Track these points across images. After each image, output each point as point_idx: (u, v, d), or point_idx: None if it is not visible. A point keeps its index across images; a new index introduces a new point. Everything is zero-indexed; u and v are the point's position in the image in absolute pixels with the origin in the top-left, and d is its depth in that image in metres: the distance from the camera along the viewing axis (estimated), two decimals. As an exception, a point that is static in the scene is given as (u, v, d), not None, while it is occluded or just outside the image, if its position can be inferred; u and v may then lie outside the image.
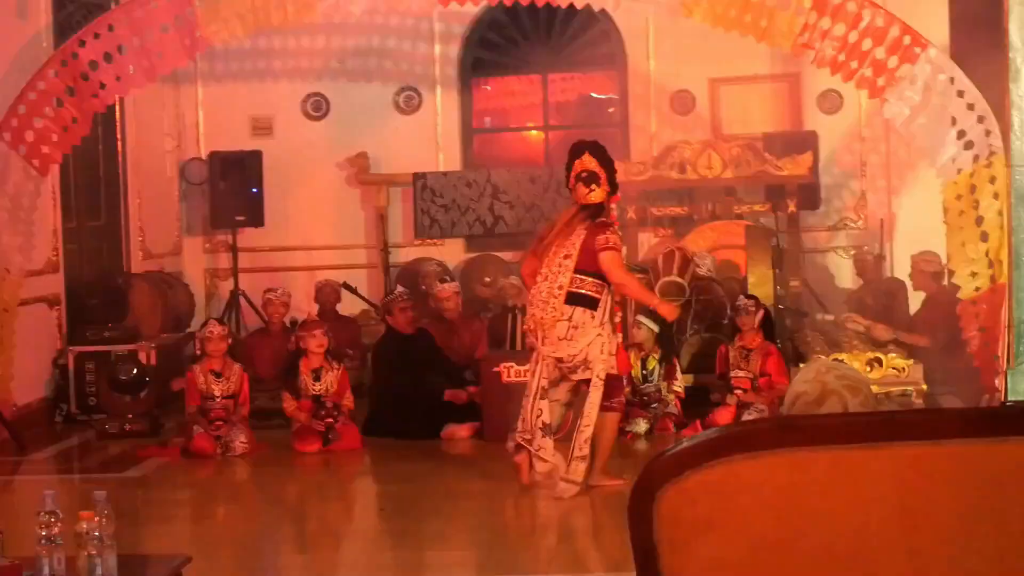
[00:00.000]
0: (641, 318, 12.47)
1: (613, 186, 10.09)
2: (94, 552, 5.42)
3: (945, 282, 13.37)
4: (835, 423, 3.65)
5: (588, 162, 10.00)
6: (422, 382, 12.56)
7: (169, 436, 12.76)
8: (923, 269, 13.77)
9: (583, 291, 9.81)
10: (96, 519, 5.44)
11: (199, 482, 11.44)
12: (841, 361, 12.26)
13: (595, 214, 9.97)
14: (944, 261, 13.25)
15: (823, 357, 11.70)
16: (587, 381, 9.90)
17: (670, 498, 3.49)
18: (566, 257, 9.83)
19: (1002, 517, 3.44)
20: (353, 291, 15.05)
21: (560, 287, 9.80)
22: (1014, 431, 3.47)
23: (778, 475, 3.50)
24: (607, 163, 10.07)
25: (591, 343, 9.79)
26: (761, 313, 12.25)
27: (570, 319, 9.79)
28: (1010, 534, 3.44)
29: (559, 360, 9.91)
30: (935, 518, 3.45)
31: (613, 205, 10.87)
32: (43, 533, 5.45)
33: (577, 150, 10.16)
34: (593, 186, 9.94)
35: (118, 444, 12.54)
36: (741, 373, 12.30)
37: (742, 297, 12.47)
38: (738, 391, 12.26)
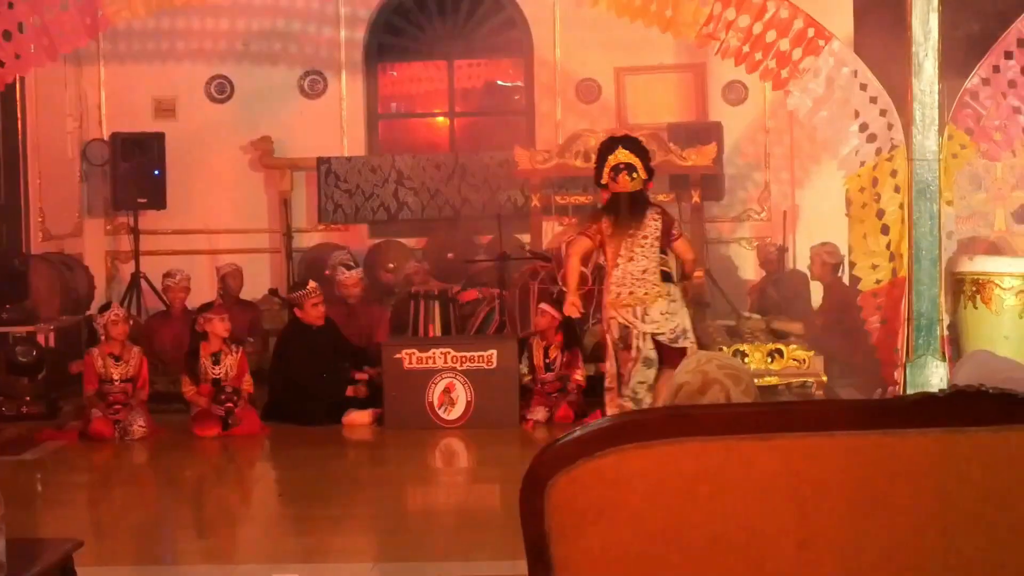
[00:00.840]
0: (544, 306, 12.50)
1: (650, 173, 11.05)
2: (-17, 537, 5.33)
3: (845, 274, 13.47)
4: (727, 413, 3.65)
5: (622, 155, 10.89)
6: (327, 371, 12.51)
7: (67, 419, 12.64)
8: (824, 260, 13.87)
9: (666, 269, 10.97)
10: (-15, 503, 5.34)
11: (96, 466, 11.34)
12: (743, 352, 12.37)
13: (647, 201, 11.08)
14: (844, 253, 13.38)
15: (704, 351, 11.75)
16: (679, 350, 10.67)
17: (561, 487, 3.48)
18: (646, 239, 10.82)
19: (893, 509, 3.46)
20: (276, 293, 14.95)
21: (646, 269, 10.81)
22: (905, 423, 3.49)
23: (669, 465, 3.50)
24: (642, 153, 11.03)
25: (684, 314, 10.97)
26: None
27: (668, 294, 10.88)
28: (901, 526, 3.46)
29: (656, 334, 10.82)
30: (826, 509, 3.45)
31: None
32: (-70, 518, 5.36)
33: (608, 146, 11.06)
34: (634, 174, 10.83)
35: (14, 426, 12.40)
36: None
37: None
38: None
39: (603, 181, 10.94)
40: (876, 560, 3.46)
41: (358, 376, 12.62)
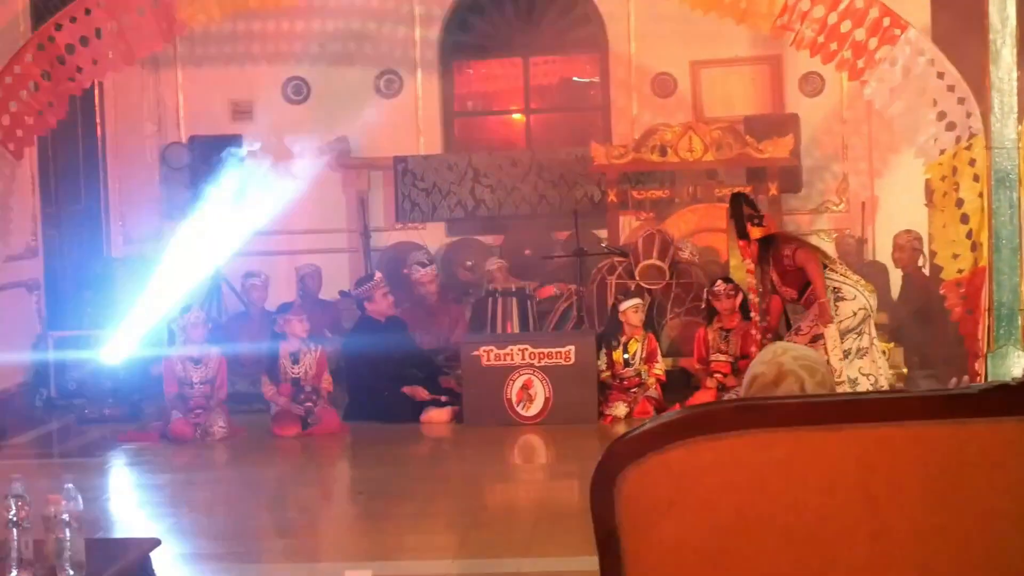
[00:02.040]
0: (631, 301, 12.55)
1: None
2: (62, 536, 5.39)
3: (926, 264, 13.37)
4: (796, 405, 3.62)
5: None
6: (395, 369, 12.55)
7: (148, 421, 12.74)
8: (911, 247, 13.75)
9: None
10: (64, 502, 5.40)
11: (177, 466, 11.41)
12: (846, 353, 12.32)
13: None
14: (925, 241, 13.28)
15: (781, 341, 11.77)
16: None
17: (631, 480, 3.47)
18: None
19: (965, 500, 3.43)
20: (348, 294, 15.00)
21: None
22: (976, 413, 3.46)
23: (739, 457, 3.48)
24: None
25: None
26: (740, 296, 12.26)
27: None
28: (972, 516, 3.43)
29: None
30: (898, 500, 3.43)
31: None
32: (10, 516, 5.43)
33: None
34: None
35: (97, 428, 12.53)
36: (721, 356, 12.32)
37: (720, 281, 12.48)
38: (717, 374, 12.25)
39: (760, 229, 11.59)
40: (949, 552, 3.42)
41: (444, 383, 12.66)
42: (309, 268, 14.77)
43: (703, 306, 12.87)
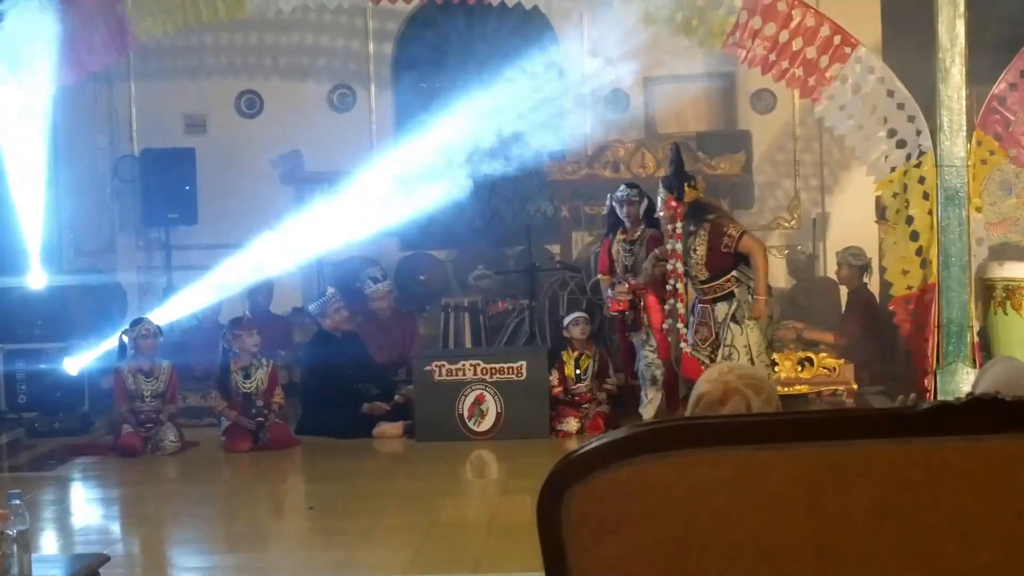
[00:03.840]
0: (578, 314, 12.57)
1: None
2: (9, 551, 5.38)
3: (876, 279, 13.43)
4: (742, 423, 3.64)
5: None
6: (350, 383, 12.56)
7: (99, 434, 12.71)
8: (850, 263, 13.76)
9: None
10: (11, 518, 5.39)
11: (127, 480, 11.37)
12: (773, 360, 12.33)
13: None
14: (869, 257, 13.34)
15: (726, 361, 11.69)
16: None
17: (578, 498, 3.48)
18: None
19: (912, 518, 3.44)
20: (302, 310, 14.97)
21: None
22: (922, 432, 3.48)
23: (686, 475, 3.50)
24: None
25: None
26: (645, 203, 12.12)
27: None
28: (918, 536, 3.45)
29: None
30: (844, 519, 3.44)
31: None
32: (-43, 533, 5.41)
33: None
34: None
35: (47, 442, 12.48)
36: (622, 295, 12.15)
37: (623, 186, 12.38)
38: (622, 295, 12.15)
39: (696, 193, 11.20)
40: (894, 571, 3.45)
41: (397, 397, 12.65)
42: (259, 283, 14.72)
43: (606, 212, 12.61)
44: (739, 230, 11.09)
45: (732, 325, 10.71)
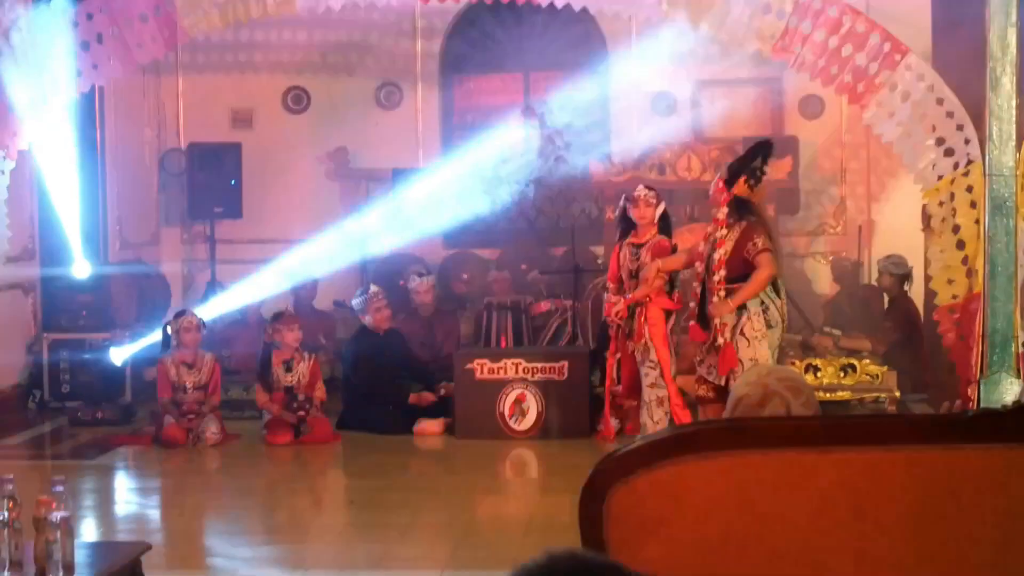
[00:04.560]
0: None
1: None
2: (52, 538, 5.42)
3: (920, 288, 13.37)
4: (784, 427, 3.65)
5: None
6: (392, 380, 12.58)
7: (141, 424, 12.78)
8: (891, 272, 13.68)
9: None
10: (54, 505, 5.43)
11: (169, 471, 11.42)
12: (816, 367, 12.29)
13: None
14: (918, 267, 13.27)
15: (766, 363, 11.45)
16: None
17: (620, 498, 3.49)
18: None
19: (951, 524, 3.44)
20: (342, 304, 14.99)
21: None
22: (966, 439, 3.47)
23: (728, 477, 3.50)
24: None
25: None
26: (661, 207, 11.51)
27: None
28: (958, 541, 3.45)
29: None
30: (885, 523, 3.45)
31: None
32: (1, 518, 5.45)
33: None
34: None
35: (90, 431, 12.55)
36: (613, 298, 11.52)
37: (641, 186, 11.71)
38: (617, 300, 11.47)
39: (745, 190, 10.28)
40: (934, 574, 3.44)
41: (441, 389, 12.66)
42: (304, 280, 14.79)
43: (618, 214, 11.92)
44: (765, 244, 10.24)
45: (740, 338, 10.28)
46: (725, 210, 10.30)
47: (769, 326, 10.22)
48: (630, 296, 11.27)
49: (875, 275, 15.08)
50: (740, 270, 10.27)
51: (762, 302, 10.19)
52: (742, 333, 10.20)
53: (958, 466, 3.48)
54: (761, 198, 10.63)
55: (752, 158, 10.47)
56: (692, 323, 10.54)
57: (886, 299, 14.06)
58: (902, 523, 3.44)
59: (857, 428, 3.64)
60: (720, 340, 10.11)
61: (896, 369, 12.69)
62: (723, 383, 10.14)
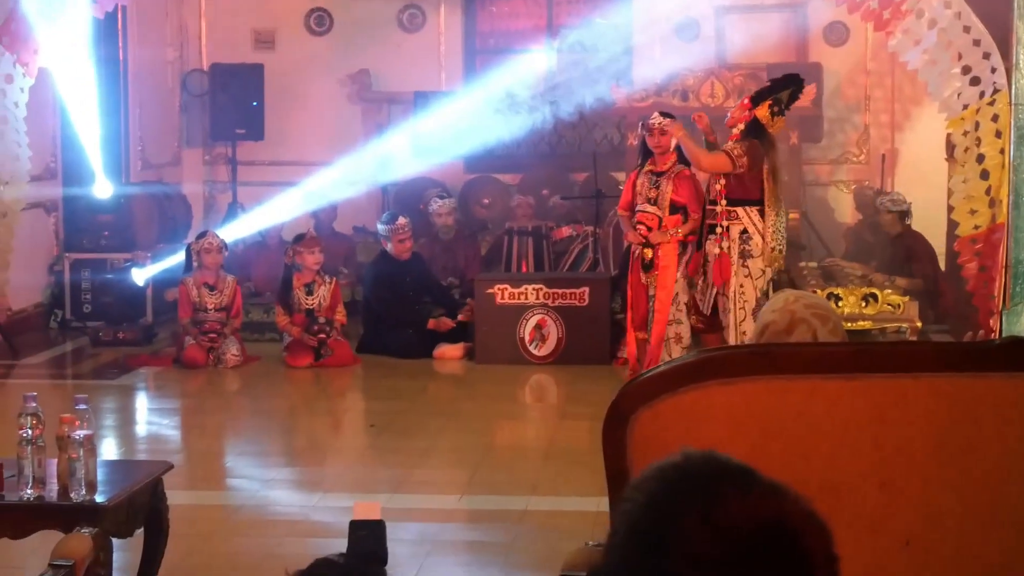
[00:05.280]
0: None
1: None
2: (75, 456, 5.44)
3: (910, 221, 13.33)
4: (811, 353, 3.64)
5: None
6: (412, 305, 12.59)
7: (162, 345, 12.82)
8: (889, 209, 13.59)
9: None
10: (77, 423, 5.44)
11: (189, 392, 11.47)
12: (837, 296, 12.26)
13: None
14: (909, 201, 13.23)
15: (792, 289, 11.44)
16: None
17: (643, 422, 3.49)
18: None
19: (977, 453, 3.45)
20: (363, 229, 14.94)
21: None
22: (992, 367, 3.47)
23: (752, 402, 3.50)
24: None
25: None
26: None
27: None
28: (982, 470, 3.45)
29: None
30: (909, 451, 3.45)
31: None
32: (24, 435, 5.47)
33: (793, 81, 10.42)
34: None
35: (111, 351, 12.59)
36: (649, 208, 10.90)
37: (656, 114, 11.11)
38: (641, 227, 10.89)
39: (767, 115, 10.17)
40: (956, 504, 3.45)
41: (461, 316, 12.64)
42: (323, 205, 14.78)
43: (638, 142, 11.55)
44: (739, 151, 10.11)
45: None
46: (741, 126, 10.24)
47: (750, 255, 10.16)
48: (678, 233, 10.82)
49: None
50: (736, 192, 10.22)
51: (744, 230, 10.14)
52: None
53: (983, 394, 3.47)
54: (778, 131, 10.49)
55: (782, 88, 10.37)
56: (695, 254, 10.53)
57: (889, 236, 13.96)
58: (926, 451, 3.44)
59: (883, 355, 3.63)
60: (715, 251, 10.19)
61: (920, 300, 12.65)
62: (709, 311, 10.21)
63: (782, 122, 10.46)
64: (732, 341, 9.99)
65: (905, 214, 13.48)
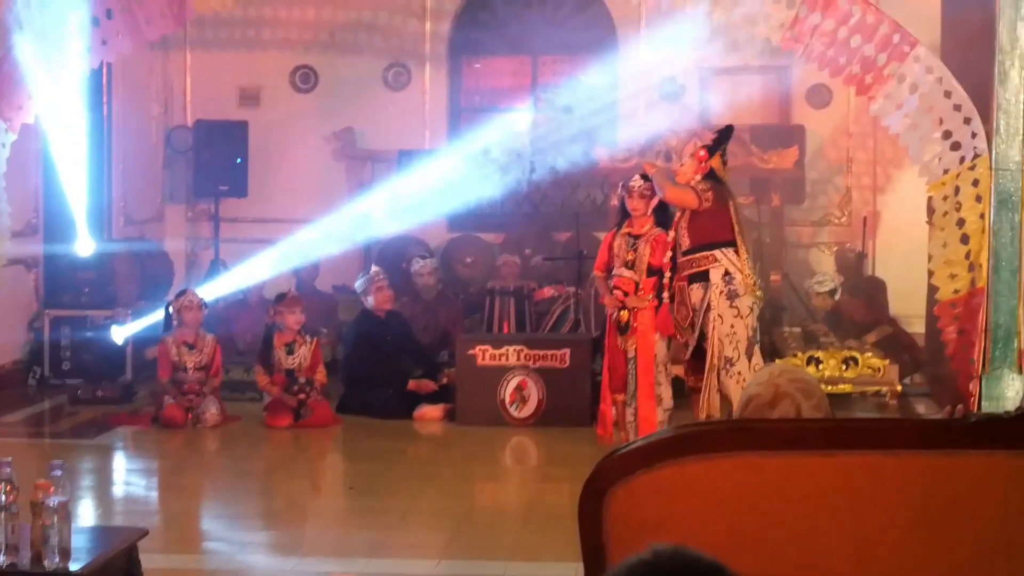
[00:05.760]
0: None
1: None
2: (49, 523, 5.40)
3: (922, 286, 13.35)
4: (788, 428, 3.62)
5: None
6: (392, 364, 12.56)
7: (141, 404, 12.76)
8: (817, 291, 13.73)
9: None
10: (52, 489, 5.40)
11: (168, 452, 11.40)
12: (818, 359, 12.25)
13: None
14: (834, 281, 13.41)
15: (778, 361, 11.53)
16: None
17: (620, 498, 3.48)
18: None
19: (954, 531, 3.43)
20: (343, 288, 14.91)
21: None
22: (970, 444, 3.45)
23: (729, 478, 3.48)
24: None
25: None
26: (656, 199, 10.90)
27: None
28: (961, 548, 3.43)
29: None
30: (886, 528, 3.43)
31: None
32: (-2, 501, 5.43)
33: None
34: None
35: (90, 410, 12.53)
36: (625, 272, 10.94)
37: (637, 177, 11.12)
38: (617, 291, 10.95)
39: (720, 164, 10.52)
40: (935, 581, 3.42)
41: (444, 378, 12.62)
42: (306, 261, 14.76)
43: (615, 203, 11.68)
44: (703, 187, 10.34)
45: (711, 314, 10.25)
46: (700, 178, 10.45)
47: (736, 295, 10.24)
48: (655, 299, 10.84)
49: (880, 266, 15.09)
50: (702, 236, 10.35)
51: (726, 272, 10.22)
52: (710, 308, 10.21)
53: (959, 471, 3.46)
54: (728, 178, 10.77)
55: (726, 139, 10.78)
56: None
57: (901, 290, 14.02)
58: (903, 528, 3.42)
59: (859, 432, 3.62)
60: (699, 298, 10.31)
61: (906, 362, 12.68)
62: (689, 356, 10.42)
63: (729, 173, 10.85)
64: (705, 387, 10.16)
65: (834, 291, 13.61)
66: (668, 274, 10.57)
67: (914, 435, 3.56)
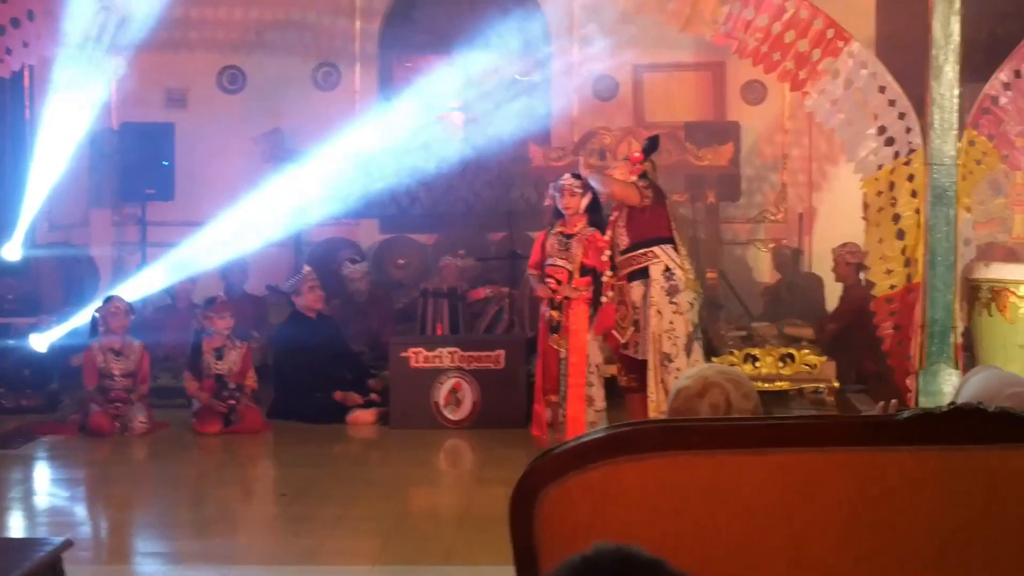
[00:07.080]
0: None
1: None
2: (-39, 536, 5.22)
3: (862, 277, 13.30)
4: (721, 427, 3.58)
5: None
6: (323, 368, 12.41)
7: (67, 413, 12.55)
8: (848, 260, 13.59)
9: None
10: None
11: (94, 461, 11.20)
12: (754, 356, 12.20)
13: None
14: (866, 251, 13.22)
15: (714, 359, 11.49)
16: None
17: (552, 500, 3.45)
18: None
19: (888, 527, 3.42)
20: (275, 289, 14.75)
21: None
22: (902, 440, 3.43)
23: (661, 478, 3.46)
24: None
25: None
26: (588, 197, 10.88)
27: None
28: (895, 544, 3.42)
29: None
30: (819, 526, 3.43)
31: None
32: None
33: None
34: None
35: (14, 419, 12.31)
36: (559, 261, 10.90)
37: (567, 175, 11.17)
38: (551, 280, 10.88)
39: (651, 167, 10.75)
40: (870, 578, 3.37)
41: (372, 392, 12.49)
42: (234, 263, 14.55)
43: (549, 203, 11.53)
44: (648, 185, 10.52)
45: (650, 310, 10.31)
46: (635, 178, 10.59)
47: (677, 290, 10.33)
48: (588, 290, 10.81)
49: (816, 263, 15.02)
50: (640, 234, 10.47)
51: (666, 268, 10.26)
52: (651, 304, 10.23)
53: (892, 468, 3.45)
54: (657, 182, 10.85)
55: (653, 149, 10.87)
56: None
57: (838, 289, 13.91)
58: (837, 526, 3.41)
59: (792, 430, 3.58)
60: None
61: (843, 358, 12.61)
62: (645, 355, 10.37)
63: (655, 176, 10.91)
64: (653, 384, 10.24)
65: (860, 266, 13.45)
66: (609, 273, 10.51)
67: (848, 432, 3.54)
